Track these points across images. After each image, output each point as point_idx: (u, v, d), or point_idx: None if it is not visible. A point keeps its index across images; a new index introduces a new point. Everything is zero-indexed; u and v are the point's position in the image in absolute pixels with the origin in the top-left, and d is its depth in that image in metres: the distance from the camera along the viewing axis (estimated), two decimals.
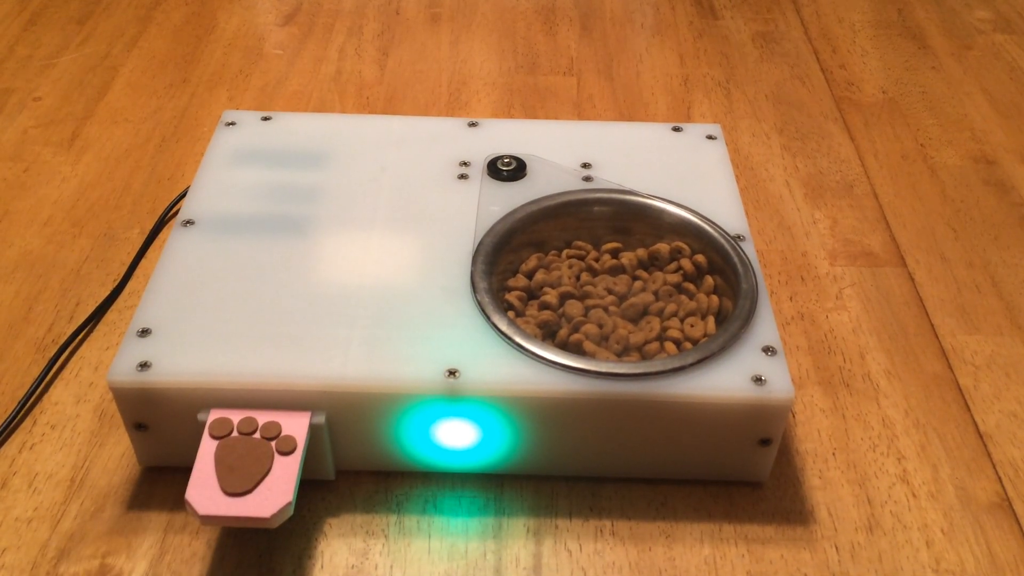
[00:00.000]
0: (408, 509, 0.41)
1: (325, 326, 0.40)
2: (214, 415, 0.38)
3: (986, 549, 0.40)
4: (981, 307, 0.52)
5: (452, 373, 0.38)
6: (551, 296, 0.43)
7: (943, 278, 0.53)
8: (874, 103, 0.68)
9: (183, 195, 0.55)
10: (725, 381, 0.38)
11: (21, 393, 0.45)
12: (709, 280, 0.44)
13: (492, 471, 0.42)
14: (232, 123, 0.52)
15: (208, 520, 0.35)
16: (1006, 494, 0.42)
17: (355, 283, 0.43)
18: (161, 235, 0.55)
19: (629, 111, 0.67)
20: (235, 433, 0.37)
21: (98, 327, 0.49)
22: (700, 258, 0.45)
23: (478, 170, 0.49)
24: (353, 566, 0.38)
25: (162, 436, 0.40)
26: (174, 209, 0.56)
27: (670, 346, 0.41)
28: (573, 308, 0.43)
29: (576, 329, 0.42)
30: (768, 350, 0.40)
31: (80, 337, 0.48)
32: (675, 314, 0.42)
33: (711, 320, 0.42)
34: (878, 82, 0.70)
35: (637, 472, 0.42)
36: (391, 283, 0.43)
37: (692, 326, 0.42)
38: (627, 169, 0.50)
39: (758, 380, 0.38)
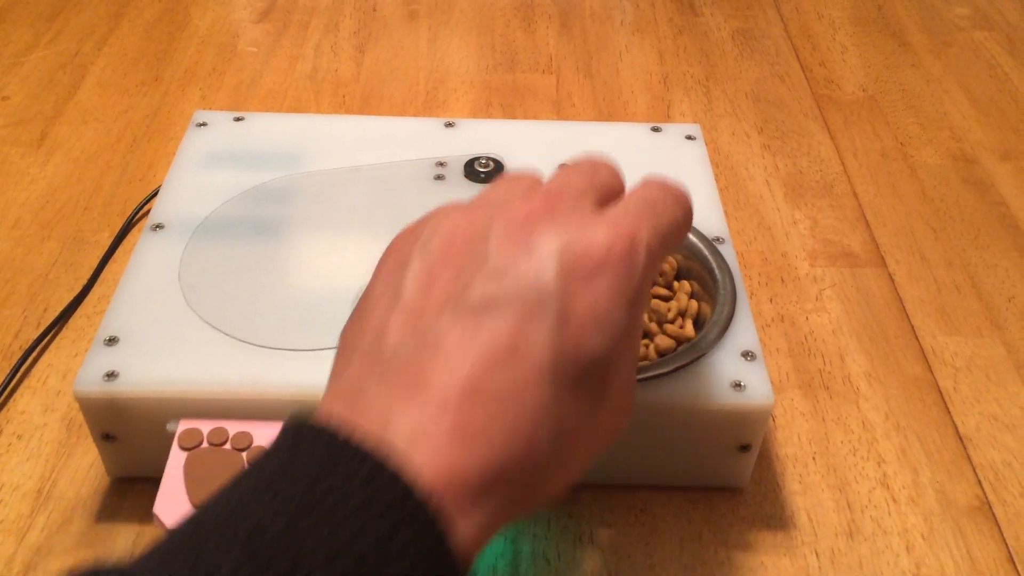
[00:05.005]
0: None
1: (299, 332, 0.40)
2: (183, 426, 0.37)
3: (966, 553, 0.40)
4: (961, 308, 0.51)
5: None
6: None
7: (923, 279, 0.53)
8: (854, 101, 0.68)
9: (152, 196, 0.54)
10: (704, 387, 0.38)
11: None
12: (686, 284, 0.44)
13: None
14: (203, 123, 0.51)
15: None
16: (986, 497, 0.42)
17: (330, 287, 0.42)
18: (131, 237, 0.54)
19: (608, 109, 0.66)
20: (205, 444, 0.37)
21: (66, 333, 0.48)
22: (673, 260, 0.44)
23: (455, 171, 0.49)
24: None
25: (131, 447, 0.39)
26: (143, 210, 0.55)
27: (652, 352, 0.40)
28: None
29: None
30: (747, 355, 0.39)
31: (47, 344, 0.47)
32: (653, 319, 0.42)
33: (689, 324, 0.42)
34: (858, 80, 0.70)
35: (616, 478, 0.41)
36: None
37: (677, 326, 0.41)
38: None
39: (737, 386, 0.38)
